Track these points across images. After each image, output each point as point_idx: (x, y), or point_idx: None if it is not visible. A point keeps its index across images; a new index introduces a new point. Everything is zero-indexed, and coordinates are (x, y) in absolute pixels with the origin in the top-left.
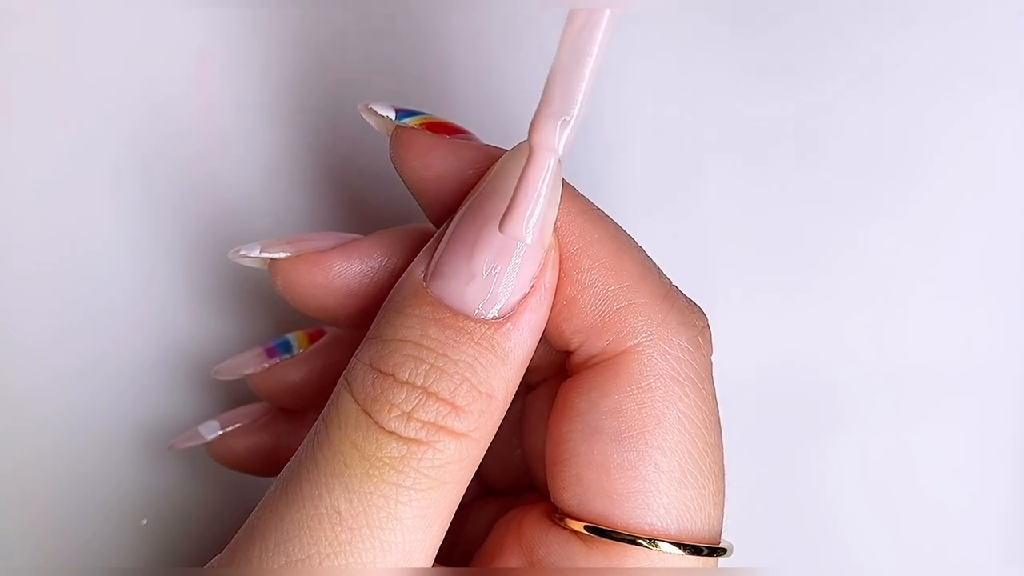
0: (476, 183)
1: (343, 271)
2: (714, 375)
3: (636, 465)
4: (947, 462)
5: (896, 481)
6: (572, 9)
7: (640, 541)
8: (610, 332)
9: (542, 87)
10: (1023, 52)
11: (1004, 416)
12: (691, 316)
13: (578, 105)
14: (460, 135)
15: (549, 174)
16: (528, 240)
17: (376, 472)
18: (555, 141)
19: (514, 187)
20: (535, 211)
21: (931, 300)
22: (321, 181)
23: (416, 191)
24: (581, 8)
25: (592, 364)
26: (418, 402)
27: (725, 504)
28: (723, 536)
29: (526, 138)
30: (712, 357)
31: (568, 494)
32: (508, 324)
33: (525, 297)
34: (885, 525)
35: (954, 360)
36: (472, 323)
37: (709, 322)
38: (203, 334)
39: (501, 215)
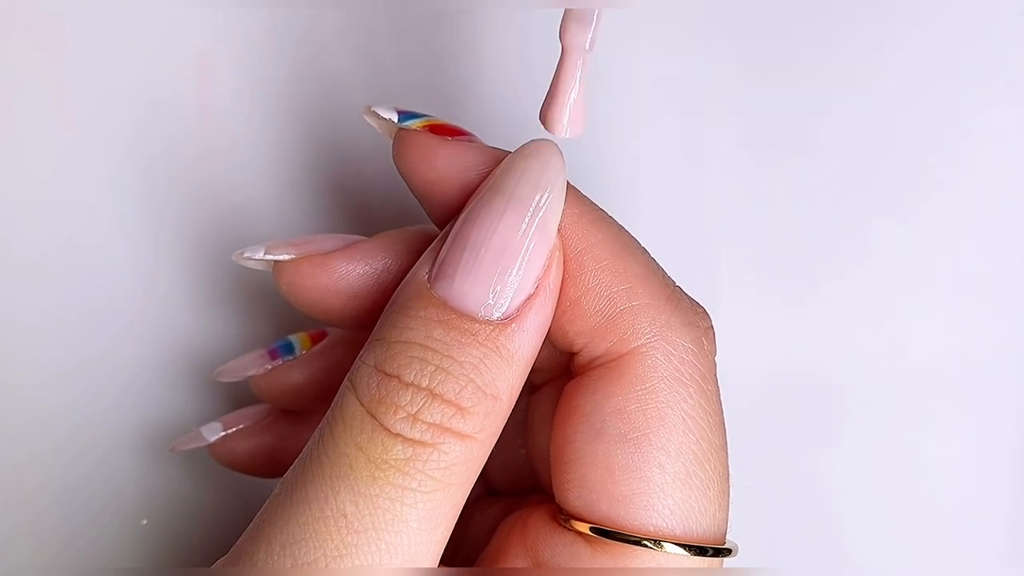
0: (479, 184)
1: (347, 273)
2: (718, 376)
3: (640, 466)
4: (948, 463)
5: (898, 482)
6: None
7: (645, 542)
8: (614, 333)
9: (545, 88)
10: (1023, 52)
11: (1006, 417)
12: (695, 317)
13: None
14: (462, 137)
15: (580, 70)
16: (565, 132)
17: (381, 474)
18: (584, 40)
19: (557, 88)
20: (569, 102)
21: (934, 301)
22: (324, 183)
23: (419, 193)
24: None
25: (596, 365)
26: (424, 404)
27: (729, 505)
28: (728, 536)
29: (529, 140)
30: (716, 358)
31: (573, 495)
32: (513, 325)
33: (529, 298)
34: (887, 525)
35: (957, 361)
36: (477, 324)
37: (713, 323)
38: (205, 336)
39: (503, 214)
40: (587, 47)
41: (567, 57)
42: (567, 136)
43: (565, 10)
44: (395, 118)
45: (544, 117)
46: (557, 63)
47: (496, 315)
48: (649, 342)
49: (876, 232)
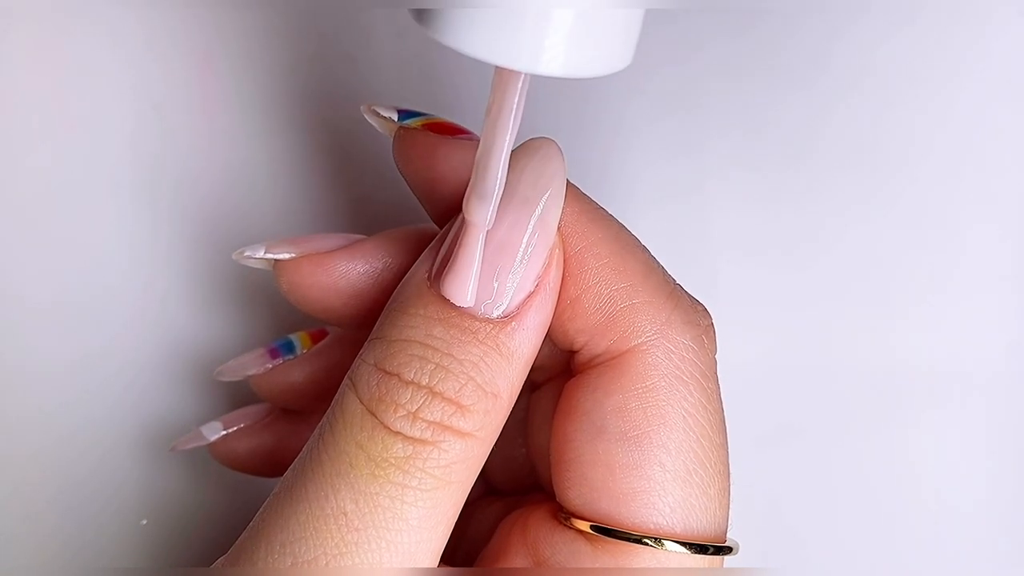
0: None
1: (347, 272)
2: (718, 373)
3: (641, 464)
4: (947, 463)
5: (897, 481)
6: (488, 103)
7: (646, 540)
8: (614, 331)
9: (544, 88)
10: (1023, 52)
11: (1005, 416)
12: (695, 315)
13: (497, 185)
14: (462, 135)
15: (481, 244)
16: (470, 303)
17: (382, 473)
18: (485, 217)
19: (461, 261)
20: (474, 275)
21: (933, 300)
22: (324, 182)
23: (419, 192)
24: (494, 101)
25: (596, 363)
26: (424, 402)
27: (730, 503)
28: (728, 535)
29: (528, 138)
30: (716, 355)
31: (573, 493)
32: (513, 323)
33: (529, 296)
34: (886, 525)
35: (959, 360)
36: (477, 323)
37: (713, 320)
38: (205, 335)
39: (503, 212)
40: (488, 224)
41: (469, 233)
42: (468, 304)
43: (469, 184)
44: (395, 117)
45: (447, 289)
46: (458, 233)
47: (496, 313)
48: (649, 340)
49: (876, 231)
